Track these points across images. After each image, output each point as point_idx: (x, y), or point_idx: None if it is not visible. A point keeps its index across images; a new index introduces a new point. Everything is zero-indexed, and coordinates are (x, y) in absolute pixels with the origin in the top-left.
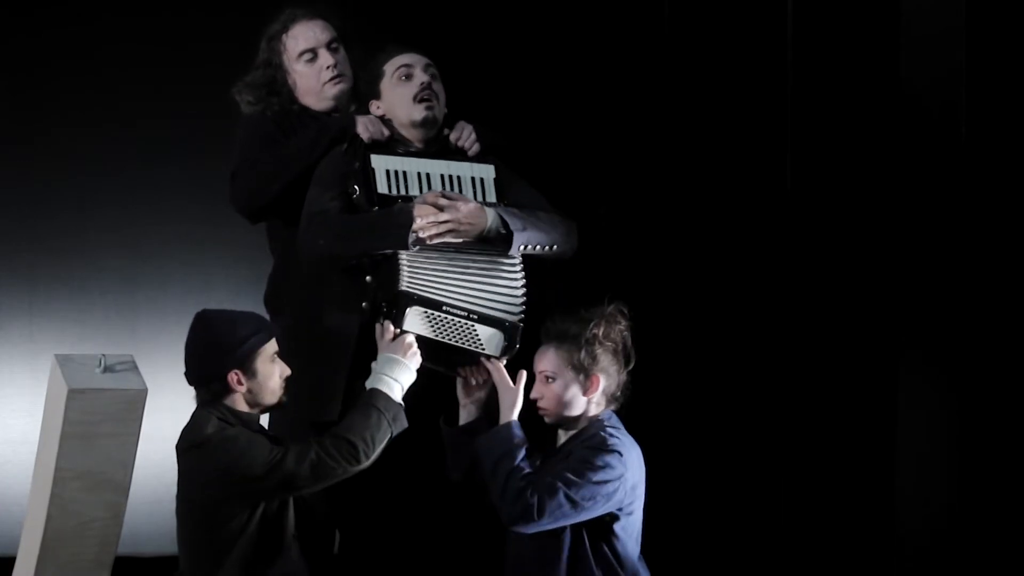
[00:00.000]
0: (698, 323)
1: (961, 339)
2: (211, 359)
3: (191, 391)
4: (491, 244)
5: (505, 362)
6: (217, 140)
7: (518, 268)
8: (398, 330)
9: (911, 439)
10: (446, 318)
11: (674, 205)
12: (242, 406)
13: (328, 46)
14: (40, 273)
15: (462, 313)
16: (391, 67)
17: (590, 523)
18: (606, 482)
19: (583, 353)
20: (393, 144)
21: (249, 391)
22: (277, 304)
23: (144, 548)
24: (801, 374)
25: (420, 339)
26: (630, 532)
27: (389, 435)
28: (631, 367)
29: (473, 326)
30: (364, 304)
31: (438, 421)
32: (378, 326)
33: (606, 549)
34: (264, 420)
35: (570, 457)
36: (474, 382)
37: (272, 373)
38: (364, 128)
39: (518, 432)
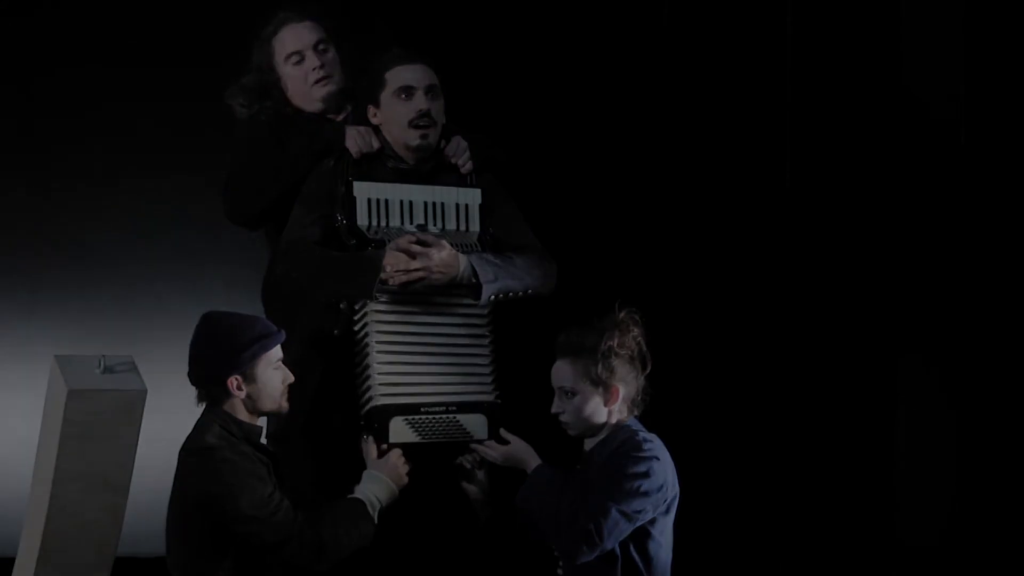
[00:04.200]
0: (696, 322)
1: (960, 339)
2: (212, 363)
3: (191, 391)
4: (460, 291)
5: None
6: (218, 141)
7: (487, 343)
8: (384, 445)
9: (911, 439)
10: (427, 419)
11: (673, 204)
12: (241, 412)
13: (315, 47)
14: (40, 273)
15: (440, 409)
16: (394, 81)
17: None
18: (653, 490)
19: (600, 366)
20: (383, 158)
21: (248, 396)
22: (272, 302)
23: (144, 548)
24: (800, 373)
25: (410, 446)
26: (662, 536)
27: (355, 547)
28: (648, 372)
29: (455, 418)
30: (336, 331)
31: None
32: (364, 443)
33: (635, 553)
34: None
35: (606, 467)
36: (469, 466)
37: (273, 380)
38: (353, 142)
39: (548, 471)
